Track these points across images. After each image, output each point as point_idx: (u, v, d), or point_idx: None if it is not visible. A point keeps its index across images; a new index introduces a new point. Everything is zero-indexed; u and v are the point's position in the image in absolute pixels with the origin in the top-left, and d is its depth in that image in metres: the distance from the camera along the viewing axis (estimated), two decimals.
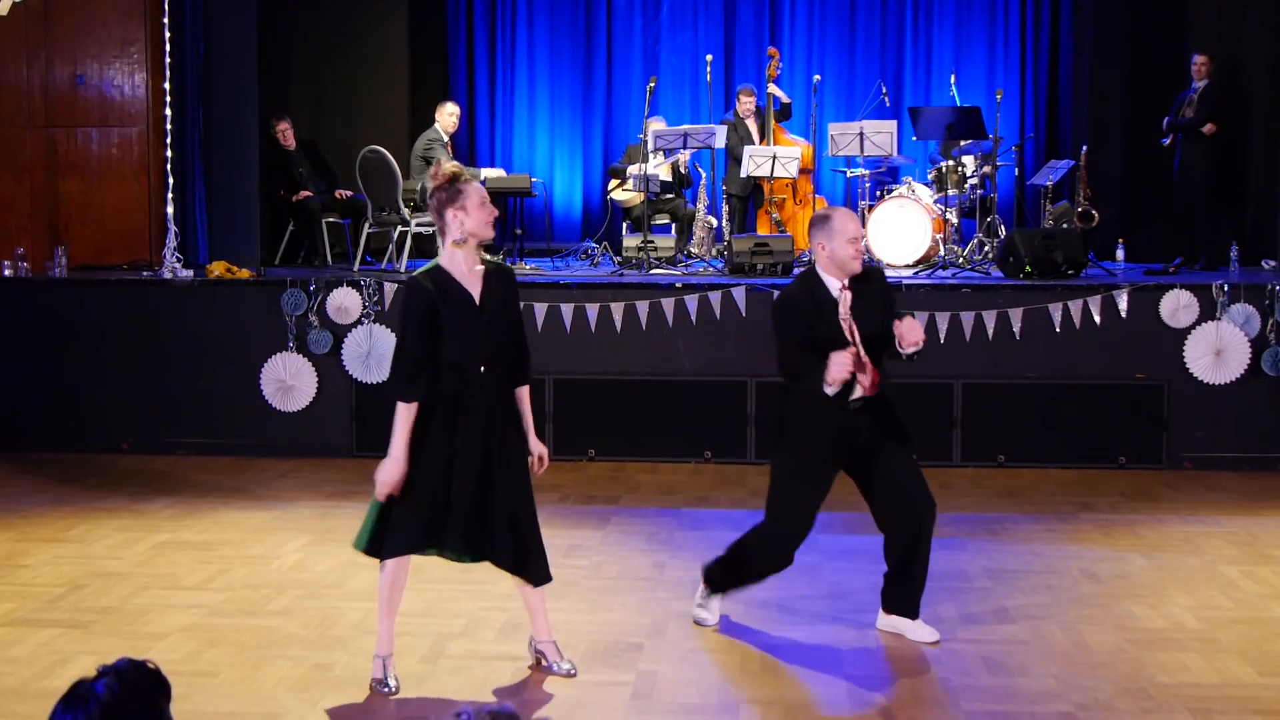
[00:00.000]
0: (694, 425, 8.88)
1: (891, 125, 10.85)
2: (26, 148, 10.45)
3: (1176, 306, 8.73)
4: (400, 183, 10.22)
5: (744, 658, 5.20)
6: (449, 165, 4.76)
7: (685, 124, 11.55)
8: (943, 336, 8.68)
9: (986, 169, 10.82)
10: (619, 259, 10.32)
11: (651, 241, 10.11)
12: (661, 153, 11.08)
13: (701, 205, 11.71)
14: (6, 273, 9.61)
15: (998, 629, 5.50)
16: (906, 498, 5.20)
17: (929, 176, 11.20)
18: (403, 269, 10.00)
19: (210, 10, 10.16)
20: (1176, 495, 8.05)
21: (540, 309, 8.93)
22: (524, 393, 4.86)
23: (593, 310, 8.94)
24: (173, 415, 9.15)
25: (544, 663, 4.97)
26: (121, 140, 10.43)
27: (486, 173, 11.63)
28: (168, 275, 9.47)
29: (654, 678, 4.95)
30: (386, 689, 4.77)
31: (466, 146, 13.33)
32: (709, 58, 11.90)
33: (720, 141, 10.86)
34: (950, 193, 10.81)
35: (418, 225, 10.12)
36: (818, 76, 12.42)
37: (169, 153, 10.00)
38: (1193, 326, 8.70)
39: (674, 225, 11.50)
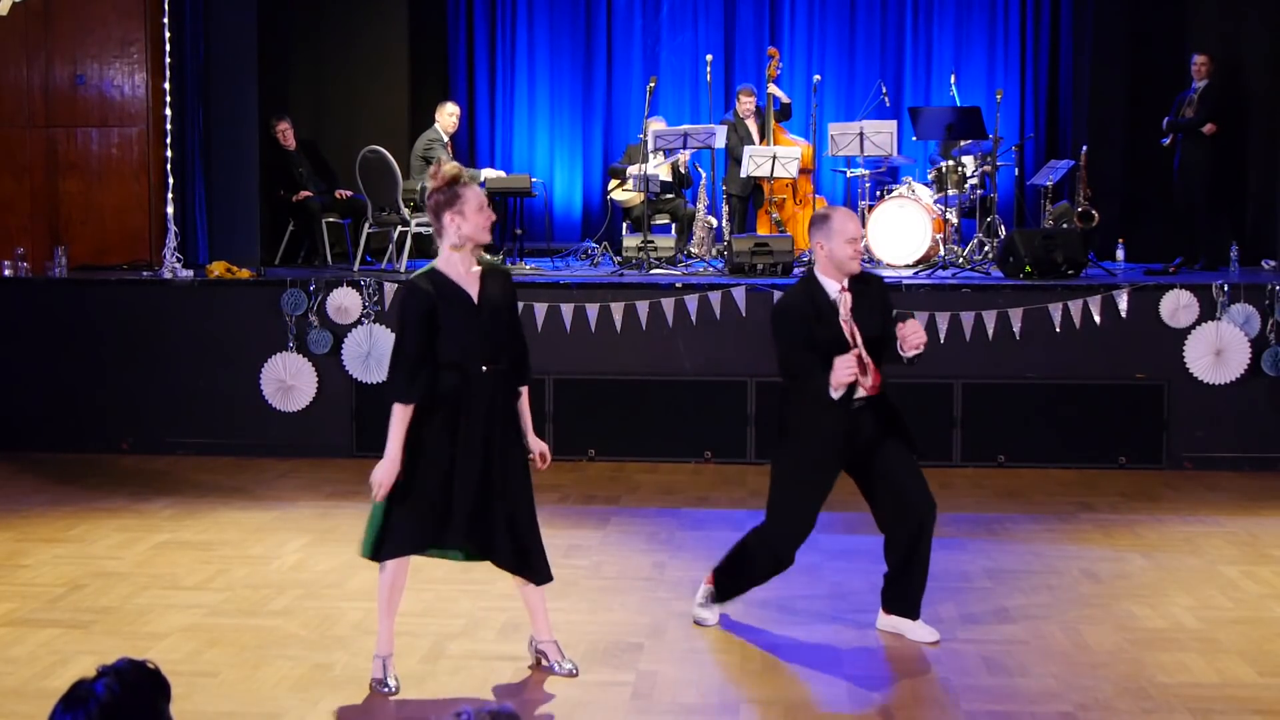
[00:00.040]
0: (694, 425, 8.88)
1: (891, 125, 10.85)
2: (26, 148, 10.45)
3: (1176, 306, 8.73)
4: (400, 183, 10.22)
5: (744, 658, 5.20)
6: (449, 167, 4.74)
7: (685, 124, 11.55)
8: (943, 336, 8.68)
9: (986, 168, 10.81)
10: (619, 259, 10.32)
11: (651, 241, 10.11)
12: (661, 153, 11.08)
13: (701, 205, 11.72)
14: (6, 273, 9.61)
15: (998, 629, 5.50)
16: (907, 498, 5.20)
17: (929, 176, 11.20)
18: (403, 269, 10.01)
19: (210, 10, 10.16)
20: (1176, 495, 8.05)
21: (540, 309, 8.93)
22: (524, 393, 4.87)
23: (593, 310, 8.94)
24: (173, 415, 9.15)
25: (545, 663, 4.97)
26: (121, 140, 10.43)
27: (486, 173, 11.63)
28: (168, 275, 9.47)
29: (654, 678, 4.95)
30: (386, 689, 4.77)
31: (466, 146, 13.33)
32: (709, 58, 11.90)
33: (720, 141, 10.86)
34: (950, 193, 10.81)
35: (418, 225, 10.12)
36: (818, 76, 12.42)
37: (169, 153, 10.00)
38: (1193, 326, 8.70)
39: (674, 225, 11.50)
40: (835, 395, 4.96)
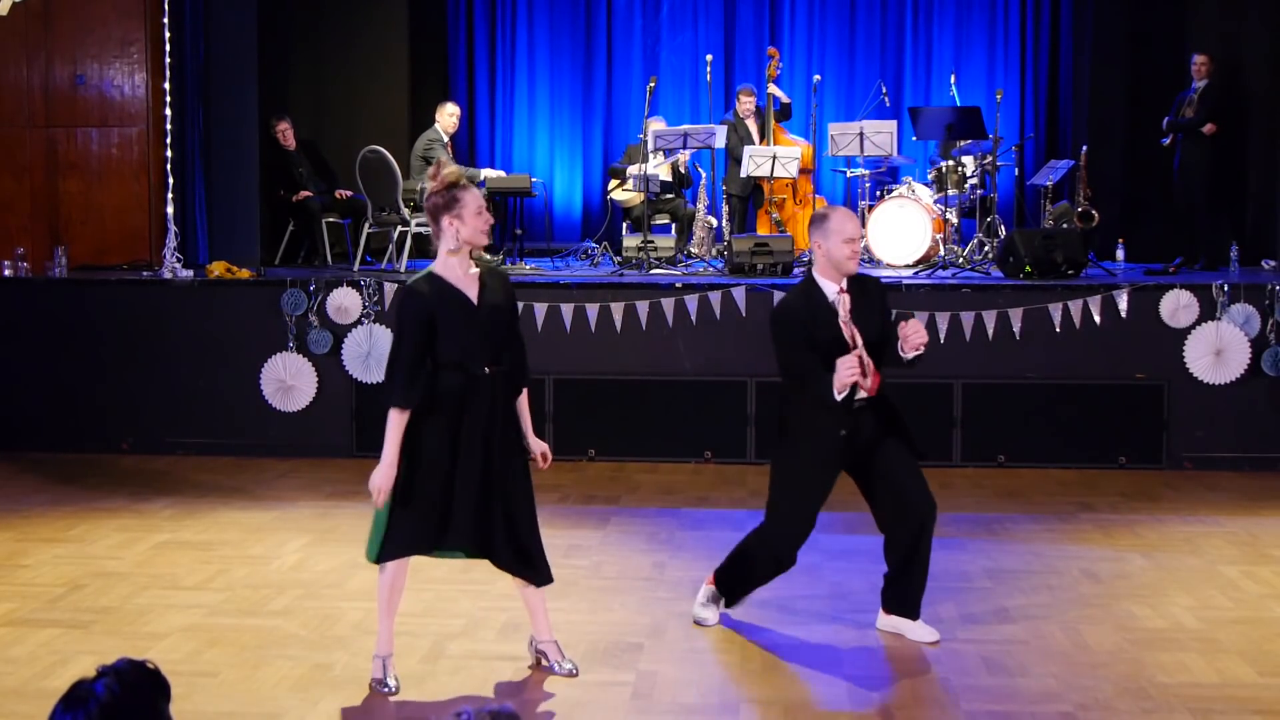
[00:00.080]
0: (694, 425, 8.88)
1: (891, 125, 10.86)
2: (26, 148, 10.45)
3: (1176, 306, 8.73)
4: (400, 183, 10.22)
5: (744, 658, 5.20)
6: (448, 171, 4.73)
7: (685, 124, 11.56)
8: (943, 336, 8.68)
9: (986, 161, 10.80)
10: (619, 259, 10.32)
11: (651, 241, 10.11)
12: (661, 153, 11.08)
13: (701, 205, 11.72)
14: (6, 273, 9.61)
15: (998, 629, 5.50)
16: (907, 498, 5.20)
17: (929, 176, 11.21)
18: (403, 269, 10.01)
19: (210, 10, 10.16)
20: (1176, 495, 8.05)
21: (540, 309, 8.93)
22: (524, 394, 4.87)
23: (593, 310, 8.94)
24: (173, 415, 9.15)
25: (545, 663, 4.97)
26: (121, 140, 10.43)
27: (486, 173, 11.63)
28: (168, 275, 9.47)
29: (654, 678, 4.95)
30: (386, 689, 4.77)
31: (466, 146, 13.33)
32: (709, 58, 11.90)
33: (720, 141, 10.86)
34: (950, 193, 10.81)
35: (418, 225, 10.12)
36: (818, 76, 12.43)
37: (169, 153, 10.00)
38: (1193, 326, 8.70)
39: (674, 225, 11.50)
40: (838, 397, 4.97)
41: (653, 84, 11.34)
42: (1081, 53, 12.54)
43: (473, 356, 4.67)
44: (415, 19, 12.50)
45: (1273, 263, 10.10)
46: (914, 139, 11.54)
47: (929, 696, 4.81)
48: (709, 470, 8.72)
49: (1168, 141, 10.70)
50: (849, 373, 4.90)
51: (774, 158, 10.80)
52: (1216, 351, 8.67)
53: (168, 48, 9.95)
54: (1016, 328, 8.76)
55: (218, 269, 9.54)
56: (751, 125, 11.54)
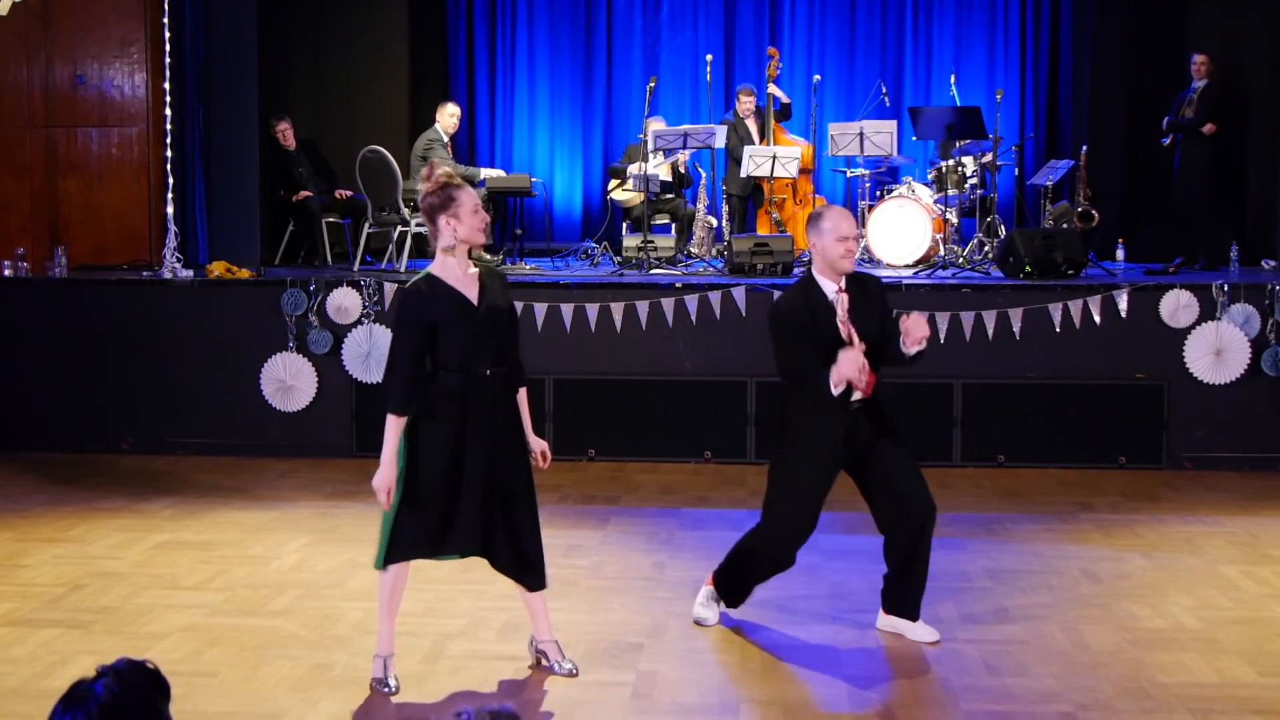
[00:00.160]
0: (694, 425, 8.88)
1: (891, 125, 10.86)
2: (26, 148, 10.45)
3: (1176, 306, 8.73)
4: (400, 183, 10.22)
5: (744, 658, 5.20)
6: (441, 171, 4.73)
7: (685, 124, 11.56)
8: (943, 336, 8.68)
9: (986, 159, 10.80)
10: (619, 259, 10.32)
11: (651, 241, 10.11)
12: (661, 153, 11.09)
13: (701, 205, 11.72)
14: (6, 273, 9.61)
15: (998, 629, 5.50)
16: (906, 499, 5.20)
17: (929, 176, 11.21)
18: (403, 269, 10.01)
19: (210, 10, 10.16)
20: (1176, 495, 8.05)
21: (540, 309, 8.93)
22: (523, 394, 4.87)
23: (593, 310, 8.94)
24: (173, 415, 9.15)
25: (545, 663, 4.97)
26: (121, 140, 10.43)
27: (486, 173, 11.64)
28: (168, 275, 9.47)
29: (654, 678, 4.95)
30: (386, 689, 4.77)
31: (466, 146, 13.33)
32: (709, 58, 11.90)
33: (720, 141, 10.86)
34: (950, 193, 10.81)
35: (418, 225, 10.11)
36: (818, 76, 12.43)
37: (169, 153, 10.00)
38: (1193, 326, 8.70)
39: (674, 225, 11.50)
40: (835, 391, 4.95)
41: (653, 84, 11.35)
42: (1081, 53, 12.55)
43: (474, 358, 4.66)
44: (415, 19, 12.51)
45: (1273, 263, 10.10)
46: (914, 139, 11.54)
47: (929, 696, 4.81)
48: (709, 470, 8.72)
49: (1168, 141, 10.70)
50: (850, 365, 4.88)
51: (774, 158, 10.80)
52: (1216, 351, 8.67)
53: (168, 48, 9.95)
54: (1016, 328, 8.76)
55: (218, 269, 9.54)
56: (751, 125, 11.54)
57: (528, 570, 4.83)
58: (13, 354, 9.27)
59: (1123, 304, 8.76)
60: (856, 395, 5.07)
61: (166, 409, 9.15)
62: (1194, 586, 6.10)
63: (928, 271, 9.92)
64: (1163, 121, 10.70)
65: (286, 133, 10.94)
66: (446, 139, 11.11)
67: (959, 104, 11.53)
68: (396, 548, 4.70)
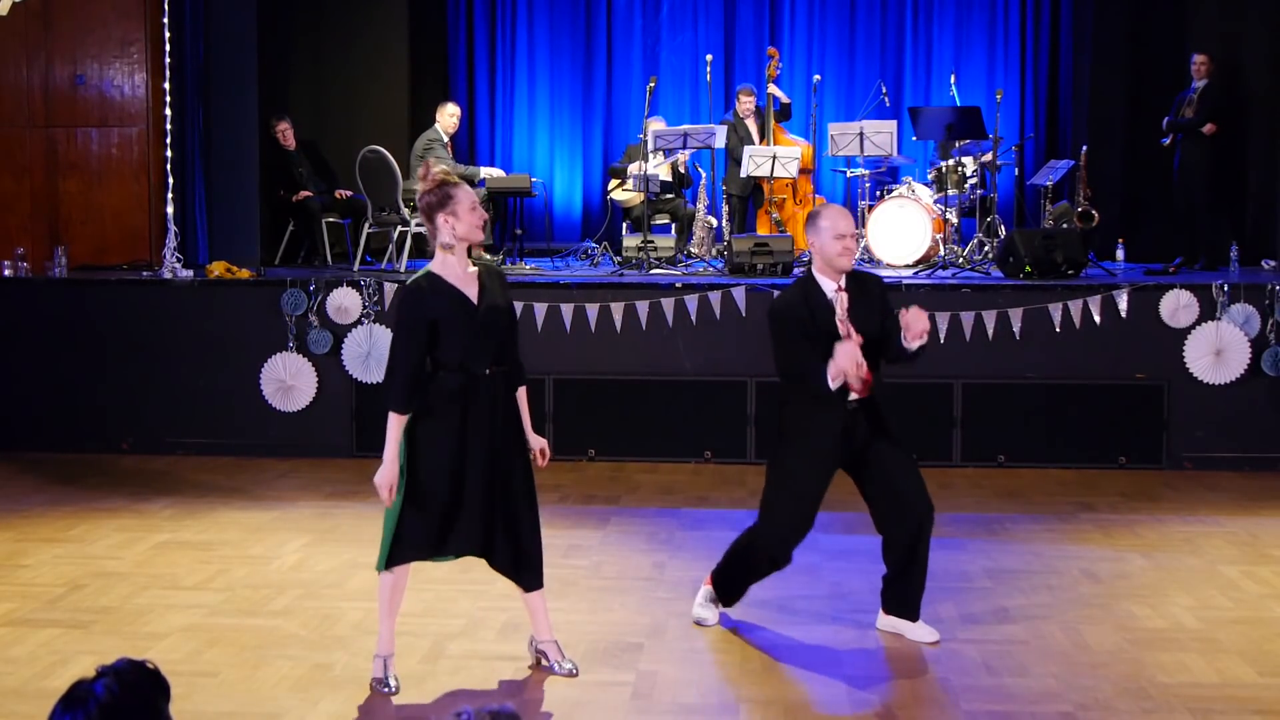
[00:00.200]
0: (694, 425, 8.88)
1: (891, 125, 10.86)
2: (26, 148, 10.45)
3: (1176, 306, 8.73)
4: (400, 183, 10.22)
5: (744, 658, 5.20)
6: (438, 169, 4.73)
7: (685, 124, 11.56)
8: (943, 336, 8.68)
9: (987, 157, 10.80)
10: (619, 259, 10.32)
11: (651, 241, 10.11)
12: (661, 153, 11.09)
13: (701, 205, 11.72)
14: (6, 273, 9.61)
15: (998, 629, 5.50)
16: (905, 500, 5.20)
17: (929, 176, 11.21)
18: (403, 269, 10.01)
19: (210, 10, 10.16)
20: (1176, 495, 8.05)
21: (540, 309, 8.93)
22: (522, 393, 4.87)
23: (593, 310, 8.94)
24: (173, 415, 9.15)
25: (545, 663, 4.97)
26: (121, 140, 10.43)
27: (486, 172, 11.64)
28: (168, 275, 9.47)
29: (654, 678, 4.95)
30: (386, 689, 4.77)
31: (466, 146, 13.33)
32: (709, 58, 11.90)
33: (720, 141, 10.86)
34: (950, 193, 10.81)
35: (417, 225, 10.11)
36: (818, 76, 12.43)
37: (169, 153, 10.00)
38: (1193, 326, 8.70)
39: (674, 225, 11.50)
40: (833, 385, 4.94)
41: (653, 84, 11.34)
42: (1081, 53, 12.54)
43: (474, 357, 4.67)
44: (415, 19, 12.50)
45: (1273, 263, 10.10)
46: (914, 139, 11.54)
47: (929, 696, 4.81)
48: (709, 470, 8.72)
49: (1168, 141, 10.70)
50: (847, 358, 4.88)
51: (774, 158, 10.80)
52: (1216, 351, 8.67)
53: (168, 48, 9.95)
54: (1016, 328, 8.76)
55: (218, 269, 9.54)
56: (751, 125, 11.54)
57: (525, 569, 4.83)
58: (13, 354, 9.27)
59: (1123, 304, 8.76)
60: (853, 396, 5.07)
61: (166, 409, 9.16)
62: (1194, 586, 6.10)
63: (928, 271, 9.92)
64: (1163, 121, 10.70)
65: (286, 133, 10.95)
66: (446, 139, 11.11)
67: (959, 104, 11.53)
68: (399, 549, 4.70)
